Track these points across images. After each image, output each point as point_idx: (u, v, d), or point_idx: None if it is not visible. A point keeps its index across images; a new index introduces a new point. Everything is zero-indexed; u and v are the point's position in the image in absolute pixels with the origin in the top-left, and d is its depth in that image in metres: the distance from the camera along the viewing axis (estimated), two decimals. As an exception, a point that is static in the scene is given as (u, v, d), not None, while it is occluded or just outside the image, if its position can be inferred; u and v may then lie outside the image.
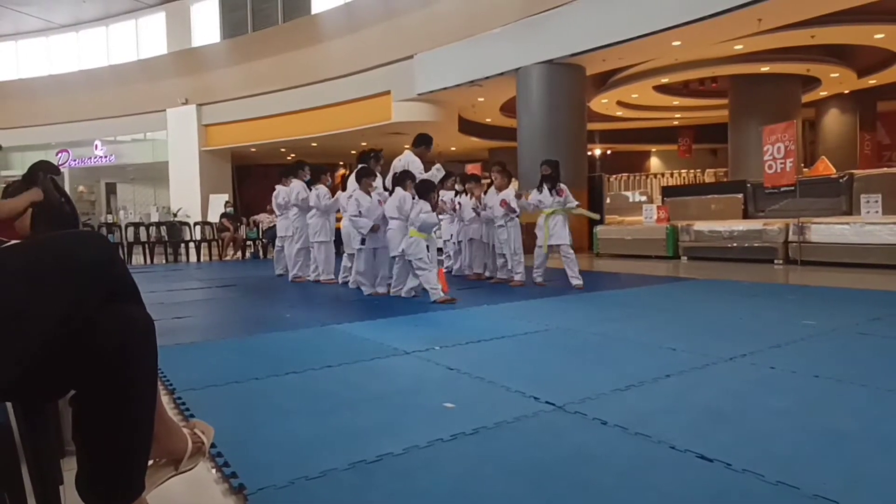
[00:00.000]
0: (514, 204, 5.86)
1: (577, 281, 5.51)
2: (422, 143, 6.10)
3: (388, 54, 13.31)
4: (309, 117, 15.34)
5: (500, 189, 6.05)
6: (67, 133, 18.33)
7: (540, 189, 5.76)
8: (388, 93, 13.54)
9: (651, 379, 2.45)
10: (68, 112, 17.96)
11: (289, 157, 19.04)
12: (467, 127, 16.09)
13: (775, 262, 7.41)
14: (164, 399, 2.31)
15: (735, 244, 7.86)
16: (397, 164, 5.95)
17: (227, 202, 13.84)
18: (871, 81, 13.98)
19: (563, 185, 5.72)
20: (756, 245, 7.66)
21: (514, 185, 6.67)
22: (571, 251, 5.66)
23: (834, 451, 1.70)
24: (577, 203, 5.80)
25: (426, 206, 5.11)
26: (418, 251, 5.03)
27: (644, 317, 4.06)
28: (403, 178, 5.37)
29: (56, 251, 1.05)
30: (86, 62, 18.80)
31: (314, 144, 16.77)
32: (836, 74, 13.27)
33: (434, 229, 5.27)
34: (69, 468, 1.30)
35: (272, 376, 2.66)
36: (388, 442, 1.82)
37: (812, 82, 13.88)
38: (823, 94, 15.02)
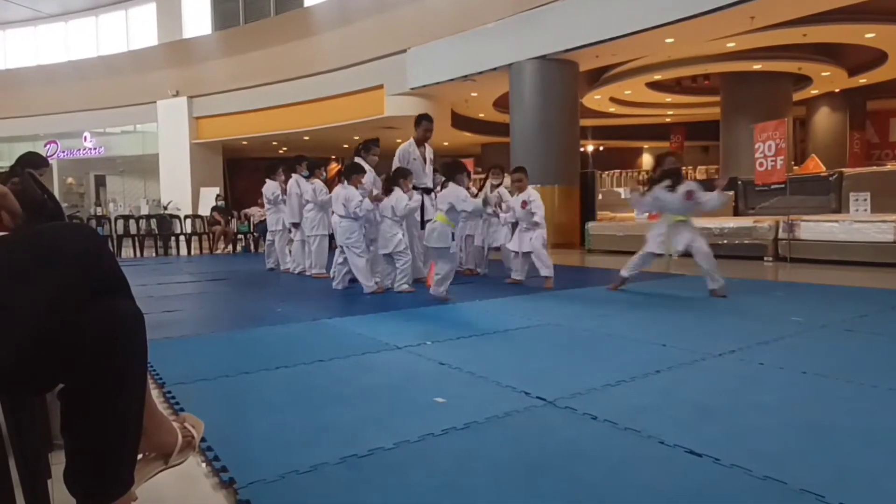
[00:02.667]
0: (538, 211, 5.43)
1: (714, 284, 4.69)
2: (418, 123, 5.90)
3: (381, 48, 13.24)
4: (301, 111, 15.25)
5: (520, 191, 5.59)
6: (56, 124, 18.12)
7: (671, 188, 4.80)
8: (380, 87, 13.48)
9: (641, 374, 2.47)
10: (57, 103, 17.75)
11: (280, 151, 18.93)
12: (460, 122, 16.06)
13: (765, 258, 7.47)
14: (154, 393, 2.30)
15: (725, 241, 7.91)
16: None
17: (218, 195, 13.75)
18: (862, 80, 14.09)
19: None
20: (746, 242, 7.71)
21: (506, 180, 6.63)
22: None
23: (821, 446, 1.72)
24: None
25: (461, 192, 4.65)
26: (442, 240, 4.61)
27: (634, 313, 4.08)
28: (396, 178, 5.18)
29: (42, 244, 1.04)
30: (74, 53, 18.58)
31: (306, 138, 16.68)
32: (827, 73, 13.36)
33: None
34: (57, 462, 1.29)
35: (263, 370, 2.65)
36: (379, 436, 1.82)
37: (803, 81, 13.97)
38: (814, 92, 15.12)
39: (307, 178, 6.87)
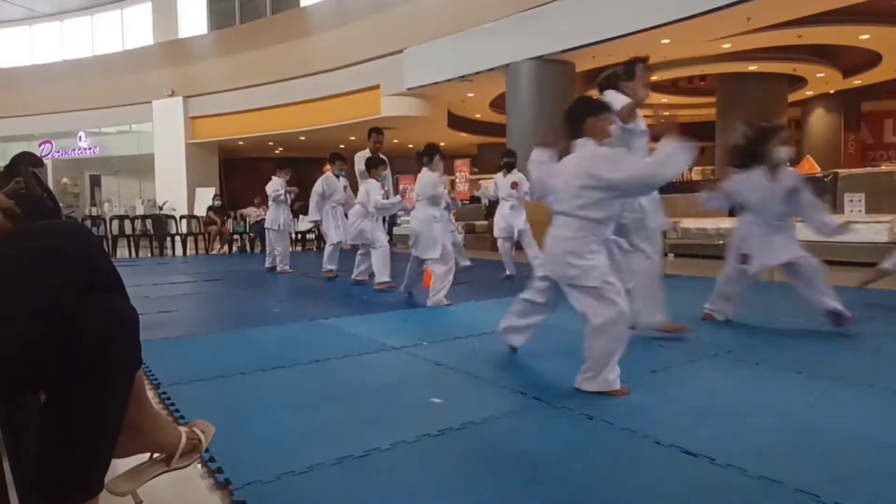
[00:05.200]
0: None
1: None
2: (369, 136, 6.14)
3: (378, 48, 13.23)
4: (297, 111, 15.22)
5: None
6: (51, 124, 18.04)
7: None
8: (377, 87, 13.47)
9: (637, 374, 2.47)
10: (52, 103, 17.66)
11: (276, 151, 18.88)
12: (456, 122, 16.05)
13: (760, 259, 7.48)
14: (150, 394, 2.29)
15: (722, 242, 7.92)
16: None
17: (215, 195, 13.71)
18: (856, 82, 14.14)
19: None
20: (742, 242, 7.72)
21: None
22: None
23: (816, 446, 1.73)
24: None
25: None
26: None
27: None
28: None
29: (37, 241, 1.04)
30: (70, 52, 18.50)
31: (302, 138, 16.66)
32: (822, 74, 13.41)
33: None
34: (52, 463, 1.28)
35: (259, 371, 2.64)
36: (376, 437, 1.81)
37: (798, 82, 14.02)
38: (809, 93, 15.17)
39: (338, 176, 6.77)
